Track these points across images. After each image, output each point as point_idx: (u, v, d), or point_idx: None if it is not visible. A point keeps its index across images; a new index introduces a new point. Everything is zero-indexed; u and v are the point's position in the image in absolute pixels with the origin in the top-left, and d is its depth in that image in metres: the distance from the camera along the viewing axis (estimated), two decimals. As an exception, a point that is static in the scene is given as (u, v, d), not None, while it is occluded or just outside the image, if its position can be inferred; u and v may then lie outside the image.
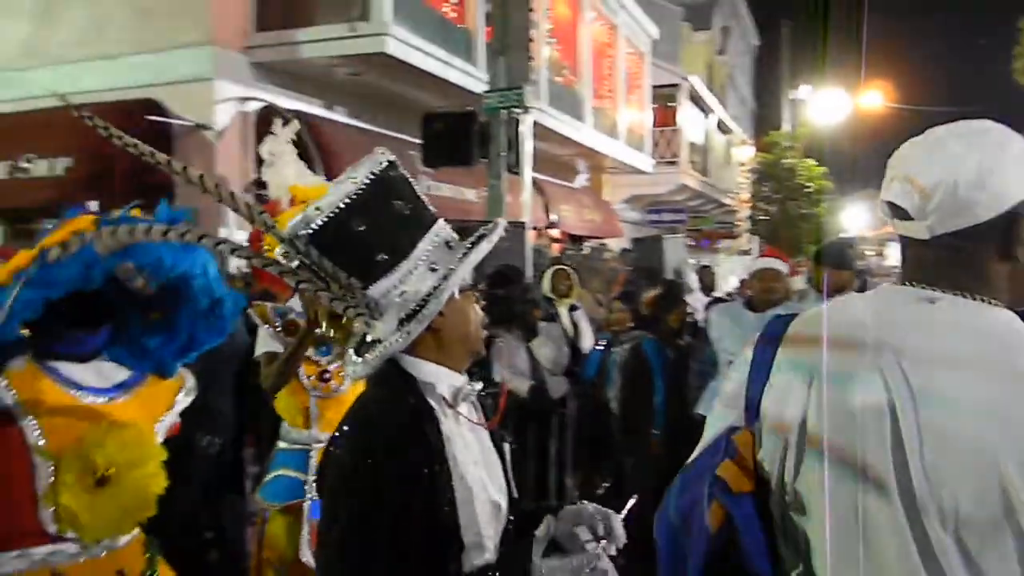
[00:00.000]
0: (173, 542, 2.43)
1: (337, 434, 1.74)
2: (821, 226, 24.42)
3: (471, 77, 10.45)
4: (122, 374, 2.25)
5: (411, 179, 1.84)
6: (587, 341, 6.17)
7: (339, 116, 10.60)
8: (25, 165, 8.91)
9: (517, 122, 7.31)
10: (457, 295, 1.79)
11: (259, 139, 9.31)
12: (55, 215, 2.28)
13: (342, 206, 1.70)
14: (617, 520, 1.74)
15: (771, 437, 1.35)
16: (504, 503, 1.81)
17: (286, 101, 9.67)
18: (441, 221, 1.84)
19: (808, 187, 25.19)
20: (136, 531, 2.22)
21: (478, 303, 1.93)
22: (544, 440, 5.80)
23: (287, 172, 4.07)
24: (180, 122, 8.99)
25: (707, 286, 8.51)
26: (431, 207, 1.86)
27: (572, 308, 6.19)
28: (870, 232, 38.83)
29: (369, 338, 1.76)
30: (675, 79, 21.39)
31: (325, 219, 1.69)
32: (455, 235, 1.85)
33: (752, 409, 1.39)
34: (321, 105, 10.38)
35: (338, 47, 9.34)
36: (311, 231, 1.70)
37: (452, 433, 1.72)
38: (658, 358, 5.70)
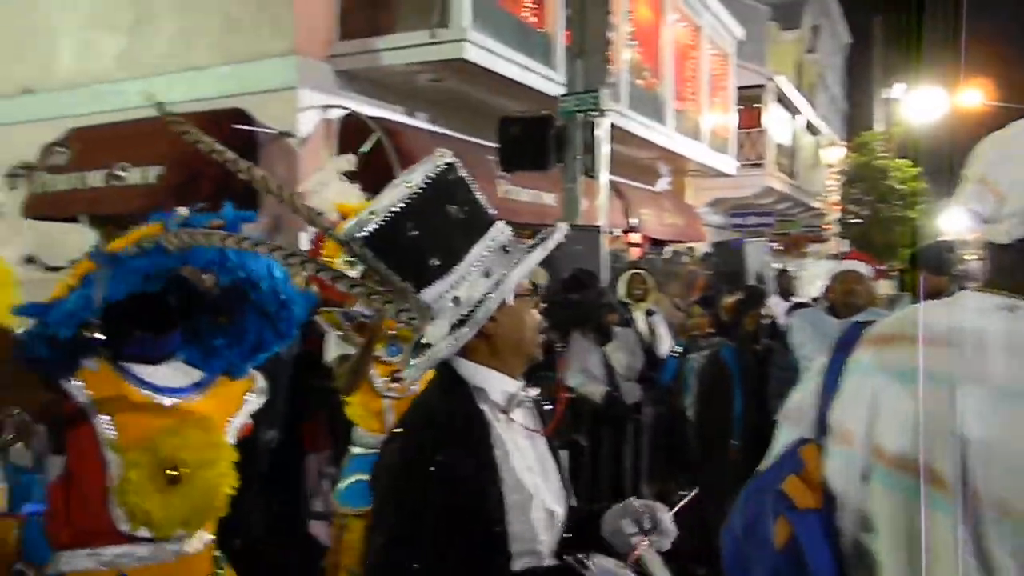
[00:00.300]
0: (239, 541, 2.47)
1: (390, 436, 1.75)
2: (916, 229, 23.54)
3: (550, 81, 10.42)
4: (194, 375, 2.29)
5: (471, 181, 1.81)
6: (664, 346, 6.07)
7: (420, 122, 10.71)
8: (120, 173, 9.26)
9: (593, 125, 7.25)
10: (511, 300, 1.75)
11: (341, 146, 9.53)
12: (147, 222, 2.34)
13: (396, 210, 1.69)
14: (664, 512, 1.70)
15: (837, 449, 1.30)
16: (560, 511, 1.78)
17: (368, 108, 9.82)
18: (500, 224, 1.81)
19: (902, 189, 24.35)
20: (206, 538, 2.25)
21: (537, 307, 1.90)
22: (619, 447, 5.73)
23: (328, 195, 4.11)
24: (265, 130, 9.21)
25: (786, 291, 8.29)
26: (490, 210, 1.83)
27: (648, 312, 6.10)
28: (970, 235, 37.29)
29: (423, 341, 1.75)
30: (761, 80, 20.97)
31: (379, 223, 1.68)
32: (513, 239, 1.83)
33: (821, 421, 1.34)
34: (402, 111, 10.51)
35: (418, 54, 9.44)
36: (366, 235, 1.69)
37: (505, 439, 1.70)
38: (737, 365, 5.57)
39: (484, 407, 1.72)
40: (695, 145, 16.91)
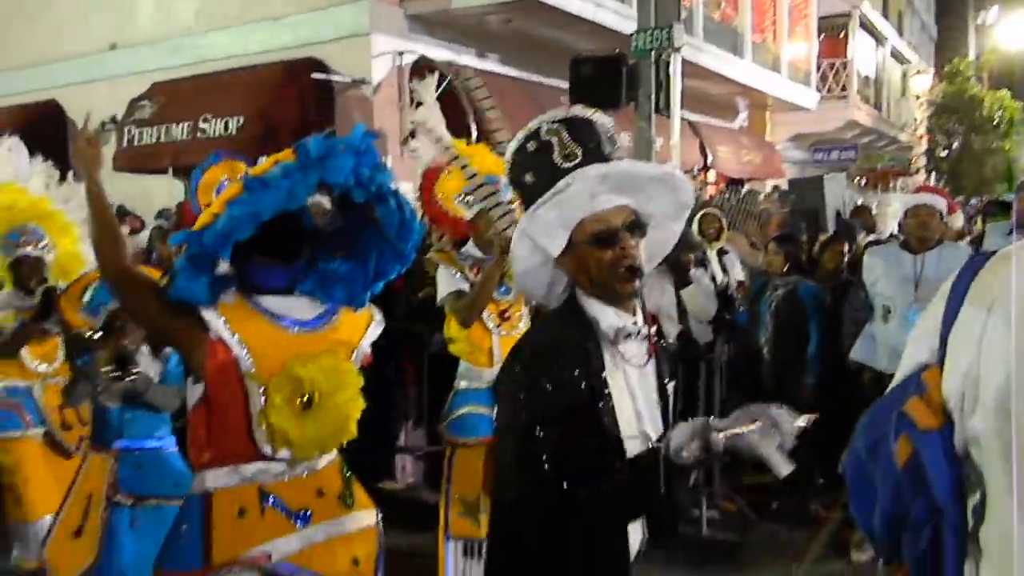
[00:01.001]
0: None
1: (514, 351, 1.91)
2: (1011, 161, 22.56)
3: (623, 18, 10.26)
4: (319, 307, 2.39)
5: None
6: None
7: (492, 65, 10.69)
8: (203, 125, 9.54)
9: (667, 62, 7.14)
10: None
11: (413, 91, 9.60)
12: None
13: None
14: (785, 414, 1.70)
15: (951, 374, 1.34)
16: (655, 436, 1.88)
17: (439, 52, 9.85)
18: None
19: (995, 119, 23.28)
20: (334, 453, 2.40)
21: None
22: (692, 387, 5.75)
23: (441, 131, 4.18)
24: (339, 78, 9.34)
25: (867, 227, 8.09)
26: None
27: (721, 252, 6.05)
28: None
29: None
30: (845, 7, 20.14)
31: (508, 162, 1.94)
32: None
33: (943, 345, 1.37)
34: (474, 54, 10.51)
35: (489, -5, 9.41)
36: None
37: (611, 367, 1.83)
38: (814, 303, 5.51)
39: (597, 335, 1.85)
40: (774, 78, 16.45)
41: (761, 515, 5.38)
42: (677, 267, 5.65)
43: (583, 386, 1.76)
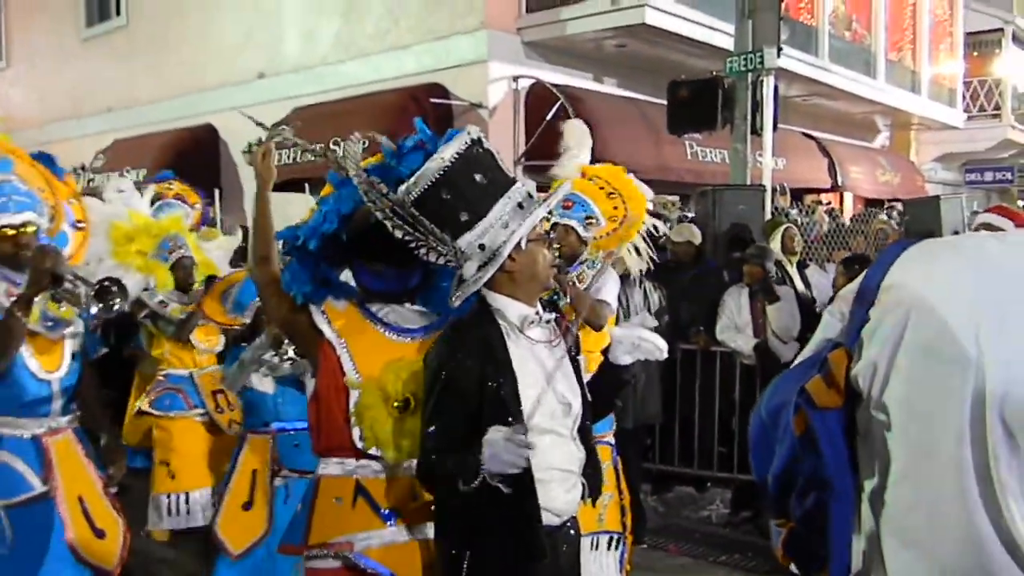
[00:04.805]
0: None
1: (432, 345, 2.31)
2: None
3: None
4: (427, 319, 2.57)
5: (495, 151, 2.31)
6: (824, 298, 6.01)
7: (607, 88, 10.98)
8: (335, 147, 10.25)
9: (761, 84, 7.22)
10: (525, 244, 2.23)
11: (528, 114, 10.01)
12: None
13: (433, 179, 2.20)
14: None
15: (869, 348, 1.43)
16: (576, 403, 2.31)
17: (555, 76, 10.22)
18: (517, 184, 2.28)
19: None
20: None
21: (549, 248, 2.33)
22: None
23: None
24: (458, 102, 9.87)
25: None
26: (509, 173, 2.32)
27: (801, 265, 6.07)
28: None
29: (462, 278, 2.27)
30: (997, 23, 19.18)
31: (422, 189, 2.21)
32: (530, 197, 2.25)
33: (856, 327, 1.47)
34: (590, 78, 10.83)
35: (601, 21, 9.71)
36: (413, 197, 2.21)
37: (519, 348, 2.23)
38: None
39: (504, 324, 2.25)
40: (912, 97, 15.89)
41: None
42: (765, 284, 5.71)
43: (479, 367, 2.18)
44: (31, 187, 3.32)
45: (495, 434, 2.05)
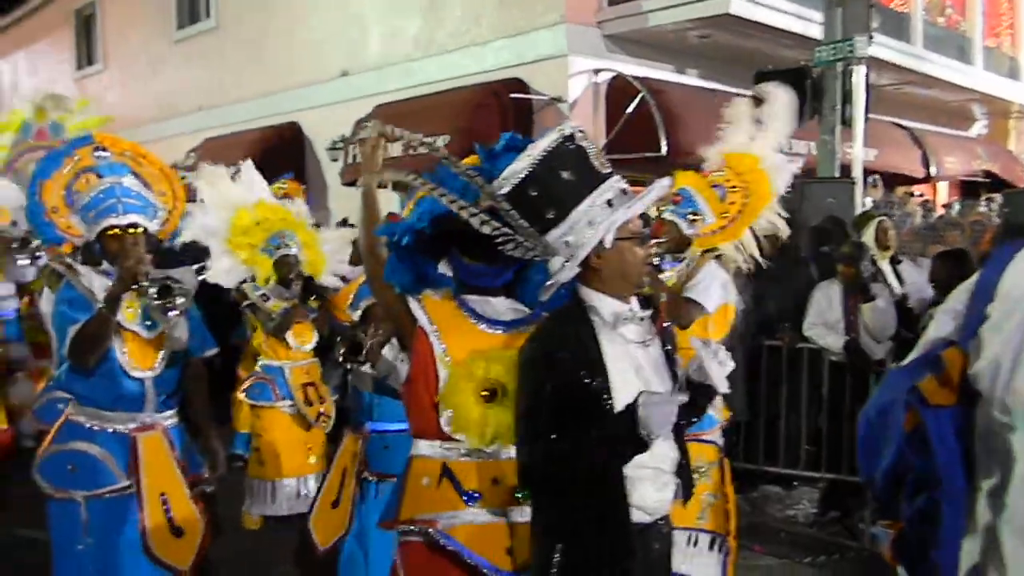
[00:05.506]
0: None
1: (526, 340, 2.33)
2: None
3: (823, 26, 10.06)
4: (520, 313, 2.61)
5: (589, 147, 2.27)
6: (919, 295, 5.80)
7: (689, 79, 10.82)
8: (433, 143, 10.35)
9: (850, 74, 7.00)
10: (609, 243, 2.20)
11: (608, 107, 9.94)
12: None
13: (522, 176, 2.24)
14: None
15: (982, 360, 1.44)
16: None
17: (635, 69, 10.12)
18: (611, 181, 2.25)
19: None
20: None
21: (645, 246, 2.33)
22: (862, 403, 5.61)
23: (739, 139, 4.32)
24: (538, 97, 9.86)
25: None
26: (603, 171, 2.26)
27: (895, 261, 5.86)
28: None
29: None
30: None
31: (511, 186, 2.25)
32: (624, 194, 2.24)
33: (971, 326, 1.48)
34: (671, 70, 10.69)
35: (684, 12, 9.58)
36: (503, 193, 2.25)
37: (613, 345, 2.21)
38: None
39: (596, 320, 2.23)
40: (1010, 84, 15.24)
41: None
42: (860, 284, 5.53)
43: (575, 364, 2.16)
44: (152, 189, 3.45)
45: (652, 397, 2.06)
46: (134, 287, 3.17)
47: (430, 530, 2.44)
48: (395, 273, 2.56)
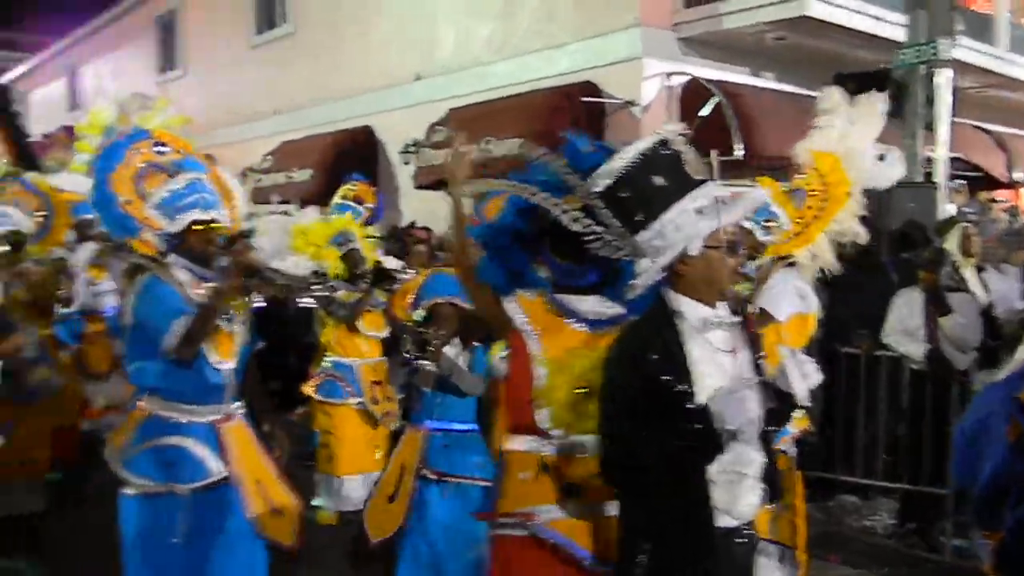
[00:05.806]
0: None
1: (614, 341, 2.36)
2: None
3: (904, 29, 9.84)
4: (613, 311, 2.66)
5: (684, 153, 2.30)
6: (1005, 304, 5.63)
7: (765, 82, 10.67)
8: (487, 147, 10.43)
9: (933, 77, 6.84)
10: (694, 251, 2.22)
11: (683, 111, 9.86)
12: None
13: (615, 178, 2.29)
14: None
15: None
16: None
17: (711, 72, 10.03)
18: (704, 188, 2.27)
19: None
20: None
21: (734, 255, 2.31)
22: (944, 411, 5.46)
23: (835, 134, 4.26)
24: (611, 100, 9.84)
25: None
26: (696, 178, 2.29)
27: (979, 269, 5.68)
28: None
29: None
30: None
31: (603, 186, 2.30)
32: (712, 203, 2.26)
33: None
34: (748, 73, 10.56)
35: (761, 14, 9.47)
36: (596, 191, 2.31)
37: (700, 350, 2.22)
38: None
39: (682, 324, 2.24)
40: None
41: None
42: (936, 294, 5.37)
43: (659, 365, 2.18)
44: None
45: (722, 389, 2.11)
46: (248, 280, 3.28)
47: (528, 523, 2.50)
48: (488, 273, 2.64)
